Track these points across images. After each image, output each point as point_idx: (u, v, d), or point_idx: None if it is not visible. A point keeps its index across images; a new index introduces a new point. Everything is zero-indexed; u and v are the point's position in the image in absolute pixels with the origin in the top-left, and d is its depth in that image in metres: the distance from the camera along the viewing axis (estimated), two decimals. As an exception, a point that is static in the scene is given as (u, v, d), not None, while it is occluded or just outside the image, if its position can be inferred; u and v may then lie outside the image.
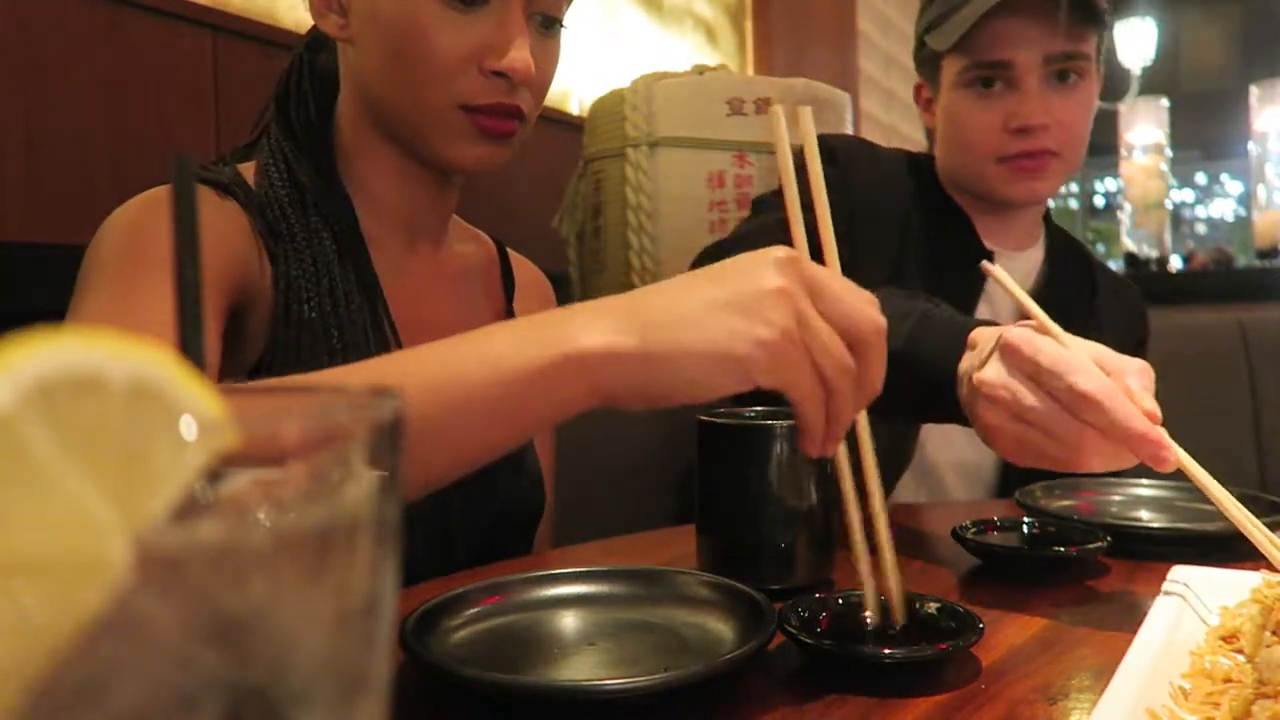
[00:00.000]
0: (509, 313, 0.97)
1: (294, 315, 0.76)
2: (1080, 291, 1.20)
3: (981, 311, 1.12)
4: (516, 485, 0.90)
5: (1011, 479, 1.10)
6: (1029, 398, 0.62)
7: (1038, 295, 1.15)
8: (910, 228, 1.13)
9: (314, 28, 0.86)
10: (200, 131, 1.30)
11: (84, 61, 1.17)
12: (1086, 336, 1.17)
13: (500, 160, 0.83)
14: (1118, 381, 0.60)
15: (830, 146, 1.12)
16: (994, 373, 0.64)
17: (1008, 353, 0.64)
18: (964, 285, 1.09)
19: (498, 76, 0.79)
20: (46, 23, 1.14)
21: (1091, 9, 1.05)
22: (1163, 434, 0.59)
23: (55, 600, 0.17)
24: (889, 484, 1.07)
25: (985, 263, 0.78)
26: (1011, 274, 1.14)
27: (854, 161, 1.13)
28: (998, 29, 1.05)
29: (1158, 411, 0.60)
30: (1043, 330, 0.66)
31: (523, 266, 1.02)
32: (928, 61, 1.16)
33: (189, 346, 0.26)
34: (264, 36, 1.36)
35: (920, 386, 0.73)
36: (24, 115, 1.11)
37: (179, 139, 1.27)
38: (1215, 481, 0.64)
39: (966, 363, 0.70)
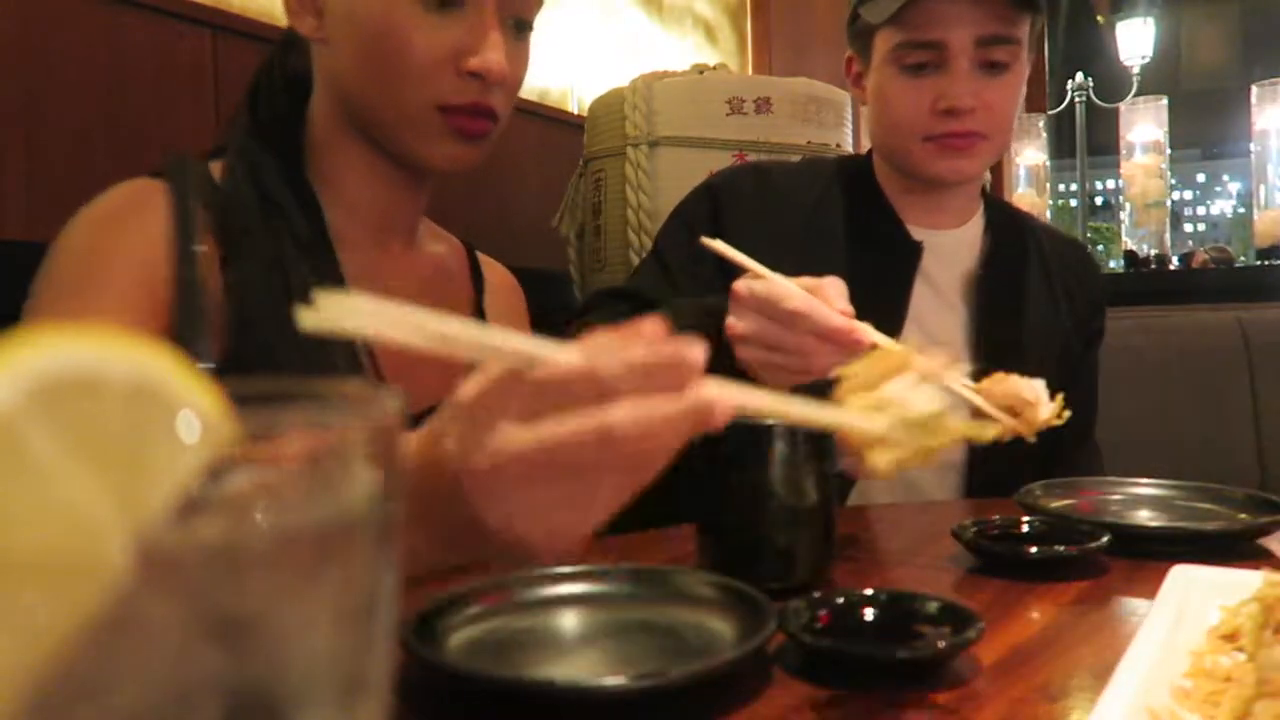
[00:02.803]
0: (479, 312, 0.97)
1: (247, 317, 0.75)
2: (1026, 260, 1.21)
3: (920, 291, 1.13)
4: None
5: (976, 473, 1.11)
6: (762, 328, 0.76)
7: (981, 270, 1.17)
8: (820, 229, 1.15)
9: (288, 28, 0.86)
10: (200, 131, 1.30)
11: (84, 61, 1.17)
12: (1040, 301, 1.18)
13: (473, 160, 0.84)
14: (820, 296, 0.74)
15: (710, 185, 1.16)
16: (733, 319, 0.79)
17: (735, 300, 0.78)
18: (895, 269, 1.12)
19: (473, 77, 0.80)
20: (46, 23, 1.13)
21: None
22: (856, 324, 0.74)
23: (55, 600, 0.17)
24: (845, 488, 1.07)
25: (704, 239, 0.81)
26: (949, 252, 1.18)
27: (735, 191, 1.15)
28: (934, 7, 1.06)
29: (850, 310, 0.75)
30: (757, 276, 0.78)
31: (491, 267, 1.02)
32: (861, 34, 1.17)
33: (189, 345, 0.26)
34: (264, 36, 1.36)
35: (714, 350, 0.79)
36: (24, 115, 1.11)
37: (179, 138, 1.27)
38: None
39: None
